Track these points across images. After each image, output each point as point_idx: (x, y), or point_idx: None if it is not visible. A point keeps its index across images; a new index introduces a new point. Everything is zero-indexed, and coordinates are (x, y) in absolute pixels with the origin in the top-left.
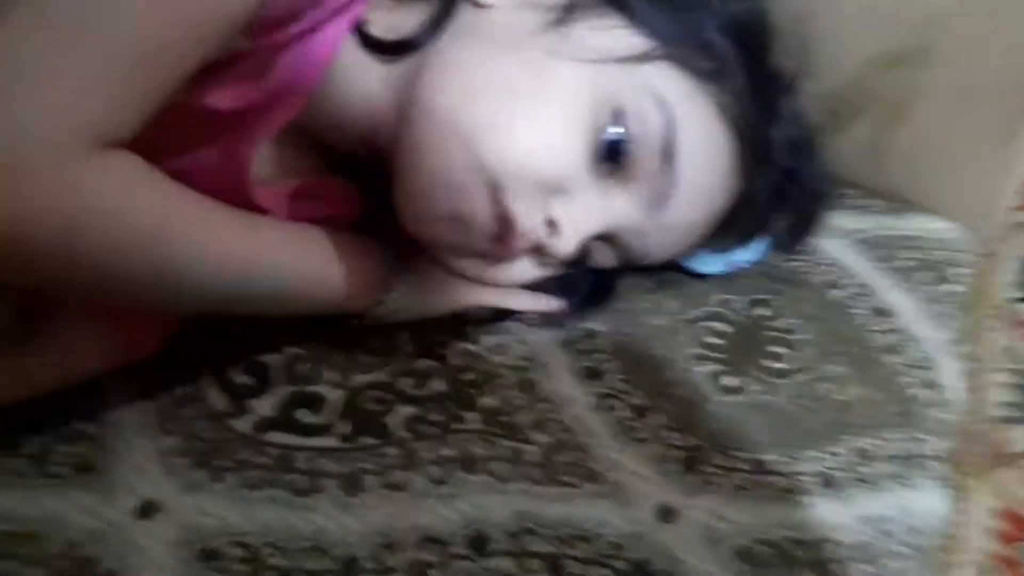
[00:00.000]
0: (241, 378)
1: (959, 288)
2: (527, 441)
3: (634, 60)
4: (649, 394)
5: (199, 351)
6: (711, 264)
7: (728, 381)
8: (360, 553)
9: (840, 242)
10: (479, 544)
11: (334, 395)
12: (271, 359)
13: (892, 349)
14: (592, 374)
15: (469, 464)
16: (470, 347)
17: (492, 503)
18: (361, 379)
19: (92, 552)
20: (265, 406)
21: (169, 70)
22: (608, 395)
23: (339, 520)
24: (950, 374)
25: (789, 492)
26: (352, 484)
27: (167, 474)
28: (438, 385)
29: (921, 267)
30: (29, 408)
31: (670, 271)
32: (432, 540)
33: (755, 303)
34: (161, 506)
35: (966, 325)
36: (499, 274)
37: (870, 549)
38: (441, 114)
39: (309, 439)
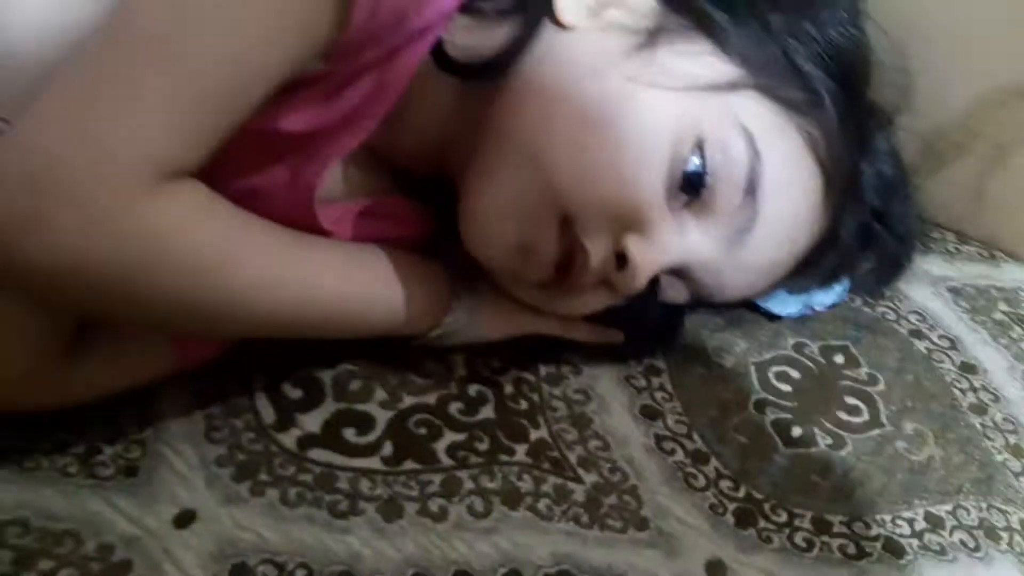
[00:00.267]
0: (293, 391)
1: None
2: (575, 479)
3: (720, 88)
4: (709, 439)
5: (254, 361)
6: (787, 305)
7: (796, 431)
8: None
9: (929, 290)
10: None
11: (382, 416)
12: (324, 374)
13: (977, 409)
14: (650, 413)
15: (512, 498)
16: (525, 376)
17: (532, 542)
18: (411, 401)
19: (126, 557)
20: (313, 422)
21: (242, 101)
22: (665, 437)
23: (375, 545)
24: None
25: (852, 558)
26: (391, 509)
27: (208, 484)
28: (488, 412)
29: (1016, 322)
30: (80, 407)
31: (743, 309)
32: (466, 575)
33: (832, 349)
34: (199, 516)
35: None
36: (561, 304)
37: None
38: (516, 139)
39: (353, 459)
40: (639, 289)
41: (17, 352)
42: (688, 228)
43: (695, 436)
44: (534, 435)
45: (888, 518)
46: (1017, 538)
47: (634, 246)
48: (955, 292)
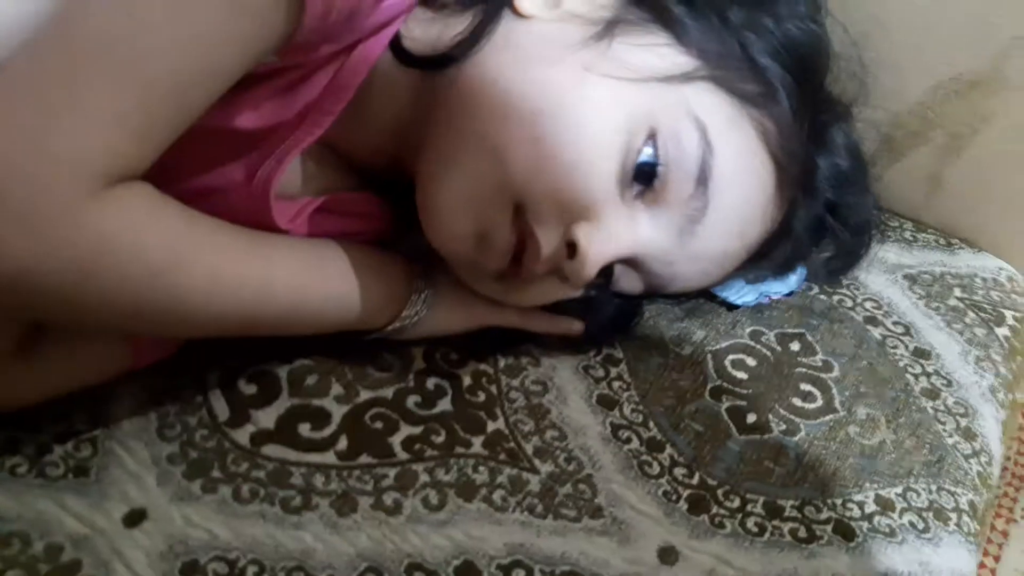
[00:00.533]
0: (247, 387)
1: (1009, 333)
2: (531, 470)
3: (675, 80)
4: (664, 427)
5: (209, 357)
6: (743, 295)
7: (751, 418)
8: None
9: (886, 277)
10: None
11: (338, 410)
12: (280, 369)
13: (930, 393)
14: (607, 402)
15: (467, 490)
16: (484, 368)
17: (486, 533)
18: (368, 395)
19: (75, 558)
20: (267, 418)
21: (192, 100)
22: (622, 426)
23: (327, 540)
24: (989, 423)
25: (803, 541)
26: (345, 504)
27: (159, 482)
28: (445, 405)
29: (970, 307)
30: (30, 407)
31: (700, 299)
32: (419, 567)
33: (788, 337)
34: (149, 515)
35: (1011, 371)
36: (518, 295)
37: None
38: (471, 128)
39: (307, 455)
40: (589, 278)
41: None
42: (639, 218)
43: (651, 424)
44: (491, 427)
45: (839, 502)
46: (965, 519)
47: (584, 235)
48: (911, 279)
